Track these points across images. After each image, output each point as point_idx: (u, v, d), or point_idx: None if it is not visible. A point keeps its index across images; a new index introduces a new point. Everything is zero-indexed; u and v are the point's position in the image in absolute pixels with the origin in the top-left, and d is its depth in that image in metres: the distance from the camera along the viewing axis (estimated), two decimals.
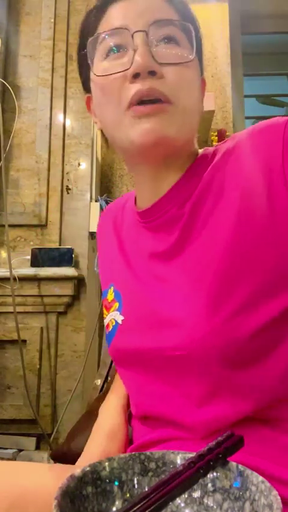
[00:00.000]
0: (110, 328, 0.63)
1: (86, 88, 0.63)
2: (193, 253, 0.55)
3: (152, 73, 0.51)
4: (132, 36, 0.52)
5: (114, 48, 0.54)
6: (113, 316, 0.62)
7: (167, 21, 0.54)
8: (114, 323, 0.62)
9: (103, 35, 0.55)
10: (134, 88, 0.52)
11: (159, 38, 0.54)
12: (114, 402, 0.70)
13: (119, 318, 0.61)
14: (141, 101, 0.52)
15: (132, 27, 0.53)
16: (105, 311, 0.66)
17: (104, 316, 0.65)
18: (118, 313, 0.62)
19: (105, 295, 0.66)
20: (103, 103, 0.57)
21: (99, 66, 0.56)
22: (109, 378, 1.08)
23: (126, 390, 0.68)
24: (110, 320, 0.63)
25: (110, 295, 0.65)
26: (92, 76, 0.58)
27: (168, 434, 0.55)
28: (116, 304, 0.63)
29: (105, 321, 0.65)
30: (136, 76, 0.51)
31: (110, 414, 0.68)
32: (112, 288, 0.65)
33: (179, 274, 0.55)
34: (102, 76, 0.54)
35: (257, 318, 0.50)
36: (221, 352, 0.50)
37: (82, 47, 0.59)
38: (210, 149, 0.61)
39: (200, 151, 0.62)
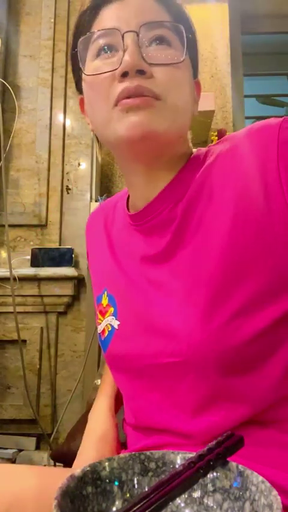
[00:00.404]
0: (106, 333, 0.62)
1: (79, 89, 0.63)
2: (187, 256, 0.54)
3: (141, 72, 0.51)
4: (123, 36, 0.52)
5: (105, 48, 0.54)
6: (109, 322, 0.61)
7: (158, 23, 0.54)
8: (110, 328, 0.61)
9: (94, 35, 0.55)
10: (122, 86, 0.51)
11: (150, 39, 0.53)
12: (103, 405, 0.70)
13: (115, 323, 0.60)
14: (128, 96, 0.51)
15: (123, 28, 0.53)
16: (100, 317, 0.64)
17: (99, 321, 0.64)
18: (114, 318, 0.61)
19: (100, 301, 0.65)
20: (93, 102, 0.56)
21: (90, 65, 0.56)
22: None
23: (120, 396, 0.68)
24: (106, 326, 0.62)
25: (105, 300, 0.64)
26: (83, 75, 0.58)
27: (164, 440, 0.55)
28: (111, 309, 0.62)
29: (100, 327, 0.63)
30: (125, 75, 0.51)
31: (101, 418, 0.67)
32: (106, 292, 0.64)
33: (173, 278, 0.55)
34: (92, 75, 0.54)
35: (253, 323, 0.49)
36: (217, 358, 0.49)
37: (74, 47, 0.59)
38: (203, 149, 0.60)
39: (193, 150, 0.62)
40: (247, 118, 2.57)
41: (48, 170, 1.96)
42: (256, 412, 0.51)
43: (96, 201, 2.01)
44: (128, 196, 0.66)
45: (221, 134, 2.10)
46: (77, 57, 0.57)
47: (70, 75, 2.07)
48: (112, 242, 0.67)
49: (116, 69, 0.52)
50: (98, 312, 0.65)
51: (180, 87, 0.55)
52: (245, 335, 0.49)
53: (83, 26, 0.58)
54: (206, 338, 0.49)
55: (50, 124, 1.99)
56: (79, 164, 1.99)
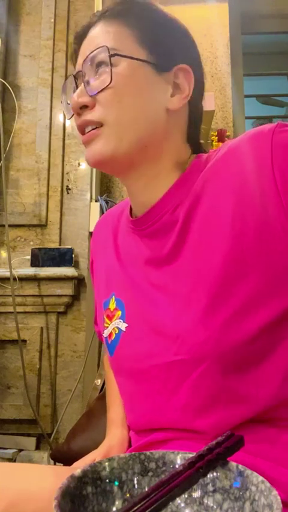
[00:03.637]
0: (113, 336, 0.63)
1: None
2: (188, 259, 0.55)
3: (85, 107, 0.58)
4: (75, 79, 0.61)
5: (74, 88, 0.62)
6: (116, 325, 0.63)
7: (92, 53, 0.57)
8: (117, 331, 0.62)
9: (67, 79, 0.64)
10: (77, 123, 0.60)
11: (91, 71, 0.58)
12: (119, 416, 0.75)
13: (123, 326, 0.61)
14: (82, 131, 0.60)
15: (76, 70, 0.61)
16: (107, 321, 0.66)
17: (106, 326, 0.65)
18: (121, 321, 0.62)
19: (107, 305, 0.66)
20: None
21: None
22: None
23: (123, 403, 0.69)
24: (113, 329, 0.63)
25: (112, 304, 0.65)
26: None
27: (167, 436, 0.55)
28: (119, 313, 0.63)
29: (107, 331, 0.65)
30: (77, 113, 0.59)
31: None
32: (114, 297, 0.65)
33: (176, 280, 0.56)
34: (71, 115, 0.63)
35: (254, 321, 0.50)
36: (219, 356, 0.51)
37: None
38: (204, 156, 0.61)
39: (193, 157, 0.62)
40: (247, 118, 2.57)
41: (48, 170, 1.96)
42: (259, 411, 0.52)
43: (96, 201, 2.01)
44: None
45: (221, 134, 2.10)
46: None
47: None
48: (118, 248, 0.68)
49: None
50: (105, 317, 0.66)
51: (122, 102, 0.57)
52: (246, 333, 0.50)
53: (72, 58, 0.66)
54: (209, 336, 0.51)
55: (50, 124, 1.99)
56: (79, 164, 1.99)
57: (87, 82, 0.58)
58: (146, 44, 0.58)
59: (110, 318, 0.65)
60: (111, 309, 0.65)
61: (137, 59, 0.57)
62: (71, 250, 1.85)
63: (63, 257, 1.84)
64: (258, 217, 0.51)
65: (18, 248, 1.92)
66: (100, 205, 2.00)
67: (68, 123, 2.01)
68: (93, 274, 0.77)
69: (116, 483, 0.38)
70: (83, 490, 0.36)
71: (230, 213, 0.53)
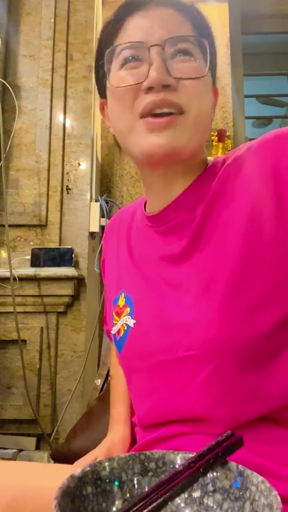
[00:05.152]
0: (122, 333, 0.63)
1: (102, 94, 0.65)
2: (204, 257, 0.56)
3: (166, 86, 0.54)
4: (149, 49, 0.55)
5: (130, 58, 0.57)
6: (125, 321, 0.63)
7: (183, 37, 0.56)
8: (126, 328, 0.62)
9: (120, 48, 0.57)
10: (148, 99, 0.54)
11: (174, 51, 0.55)
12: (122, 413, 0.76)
13: (131, 322, 0.62)
14: (154, 113, 0.54)
15: (148, 41, 0.55)
16: (116, 317, 0.66)
17: (115, 322, 0.66)
18: (130, 317, 0.62)
19: (117, 302, 0.67)
20: (118, 111, 0.59)
21: (116, 75, 0.58)
22: (109, 378, 1.08)
23: (131, 400, 0.69)
24: (122, 325, 0.63)
25: (121, 301, 0.66)
26: (108, 84, 0.60)
27: (175, 431, 0.56)
28: (128, 309, 0.63)
29: (116, 328, 0.65)
30: (150, 89, 0.54)
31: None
32: (123, 294, 0.66)
33: (190, 277, 0.56)
34: (119, 87, 0.57)
35: (269, 317, 0.51)
36: (233, 352, 0.51)
37: (99, 56, 0.62)
38: (221, 157, 0.62)
39: (210, 158, 0.64)
40: (247, 118, 2.57)
41: (48, 170, 1.96)
42: (271, 408, 0.52)
43: (96, 201, 2.01)
44: (146, 201, 0.68)
45: (221, 134, 2.10)
46: (102, 66, 0.60)
47: (70, 75, 2.08)
48: (130, 245, 0.69)
49: (141, 82, 0.54)
50: (114, 314, 0.67)
51: (202, 99, 0.57)
52: (259, 329, 0.51)
53: (108, 36, 0.60)
54: (223, 331, 0.51)
55: (50, 124, 1.99)
56: (79, 164, 1.99)
57: (166, 61, 0.54)
58: (209, 62, 0.59)
59: (119, 315, 0.65)
60: (120, 306, 0.65)
61: (213, 66, 0.60)
62: (71, 250, 1.85)
63: (63, 257, 1.84)
64: (275, 217, 0.52)
65: (18, 248, 1.92)
66: (100, 205, 2.00)
67: (68, 123, 2.01)
68: (104, 273, 0.78)
69: (116, 483, 0.39)
70: (83, 490, 0.36)
71: (247, 212, 0.53)
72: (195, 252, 0.57)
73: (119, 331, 0.64)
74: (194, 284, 0.55)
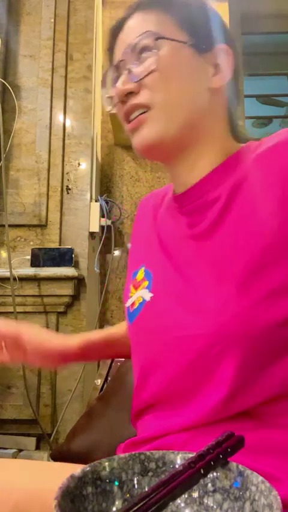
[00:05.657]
0: (136, 305, 0.64)
1: None
2: (225, 237, 0.56)
3: (131, 93, 0.59)
4: (117, 68, 0.63)
5: (115, 78, 0.64)
6: (141, 294, 0.64)
7: (135, 40, 0.59)
8: (141, 300, 0.63)
9: (107, 73, 0.66)
10: (122, 110, 0.61)
11: (136, 56, 0.60)
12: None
13: (148, 295, 0.62)
14: (128, 118, 0.61)
15: (116, 60, 0.63)
16: (132, 290, 0.67)
17: (130, 295, 0.67)
18: (147, 290, 0.63)
19: (135, 276, 0.68)
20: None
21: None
22: (109, 378, 1.08)
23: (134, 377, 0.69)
24: (137, 298, 0.64)
25: (140, 275, 0.67)
26: None
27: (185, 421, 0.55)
28: (146, 283, 0.64)
29: (130, 300, 0.66)
30: (122, 101, 0.61)
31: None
32: (143, 268, 0.67)
33: (210, 256, 0.57)
34: (109, 105, 0.66)
35: (285, 307, 0.51)
36: (245, 337, 0.51)
37: (104, 67, 0.69)
38: (255, 142, 0.62)
39: (239, 145, 0.64)
40: (247, 118, 2.57)
41: (48, 170, 1.96)
42: (256, 404, 0.52)
43: (96, 201, 2.01)
44: None
45: None
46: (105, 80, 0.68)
47: (70, 75, 2.08)
48: (157, 224, 0.71)
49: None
50: (131, 286, 0.68)
51: (168, 84, 0.58)
52: (276, 317, 0.51)
53: (108, 52, 0.68)
54: (237, 314, 0.51)
55: (50, 124, 1.99)
56: (79, 164, 1.99)
57: (129, 70, 0.60)
58: (186, 27, 0.60)
59: (136, 287, 0.66)
60: (138, 280, 0.67)
61: (179, 41, 0.59)
62: (71, 250, 1.85)
63: (63, 257, 1.84)
64: None
65: (18, 248, 1.92)
66: (100, 205, 2.00)
67: (68, 123, 2.01)
68: (129, 252, 0.79)
69: (116, 483, 0.39)
70: (83, 490, 0.36)
71: (277, 200, 0.53)
72: (216, 232, 0.57)
73: (133, 303, 0.65)
74: (214, 264, 0.56)
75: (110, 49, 0.66)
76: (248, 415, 0.52)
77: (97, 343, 0.80)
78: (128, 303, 0.67)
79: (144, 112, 0.59)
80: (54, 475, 0.59)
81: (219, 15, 0.65)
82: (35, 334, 0.76)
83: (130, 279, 0.70)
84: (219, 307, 0.52)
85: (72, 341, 0.77)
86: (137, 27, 0.61)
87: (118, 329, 0.83)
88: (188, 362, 0.55)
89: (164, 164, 0.67)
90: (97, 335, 0.82)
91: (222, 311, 0.52)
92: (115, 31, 0.65)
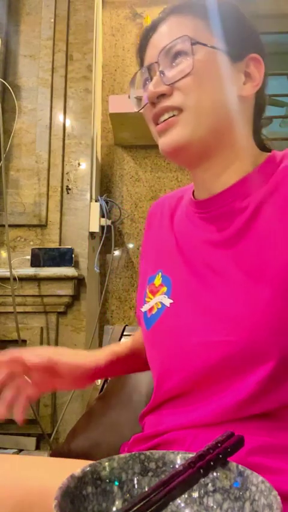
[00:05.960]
0: (155, 310, 0.64)
1: None
2: (252, 247, 0.56)
3: (163, 96, 0.60)
4: (148, 70, 0.63)
5: (146, 81, 0.65)
6: (160, 300, 0.64)
7: (171, 44, 0.60)
8: (160, 306, 0.63)
9: (138, 75, 0.68)
10: (152, 112, 0.62)
11: (170, 60, 0.61)
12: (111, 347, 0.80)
13: (167, 301, 0.63)
14: (157, 120, 0.62)
15: (149, 62, 0.63)
16: (149, 295, 0.67)
17: (148, 300, 0.67)
18: (166, 296, 0.63)
19: (152, 281, 0.68)
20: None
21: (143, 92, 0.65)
22: (109, 379, 1.08)
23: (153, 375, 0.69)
24: (156, 303, 0.64)
25: (158, 280, 0.67)
26: None
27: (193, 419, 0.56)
28: (164, 289, 0.64)
29: (148, 306, 0.66)
30: (152, 103, 0.61)
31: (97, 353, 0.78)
32: (160, 273, 0.67)
33: (234, 264, 0.57)
34: (140, 108, 0.66)
35: None
36: (277, 344, 0.51)
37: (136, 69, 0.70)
38: (280, 153, 0.63)
39: (266, 154, 0.64)
40: None
41: (48, 170, 1.96)
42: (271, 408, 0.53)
43: (96, 201, 2.01)
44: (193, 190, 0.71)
45: None
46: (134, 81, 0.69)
47: (70, 75, 2.08)
48: (173, 228, 0.70)
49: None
50: (147, 291, 0.68)
51: (201, 88, 0.59)
52: None
53: (138, 56, 0.69)
54: (269, 323, 0.51)
55: (50, 124, 1.99)
56: (79, 164, 1.99)
57: (163, 72, 0.60)
58: (221, 34, 0.61)
59: (154, 293, 0.66)
60: (156, 285, 0.66)
61: (215, 47, 0.60)
62: (71, 250, 1.85)
63: (63, 257, 1.84)
64: None
65: (18, 248, 1.92)
66: (100, 205, 2.00)
67: (67, 123, 2.01)
68: (141, 256, 0.79)
69: (116, 483, 0.39)
70: (83, 490, 0.36)
71: None
72: (242, 240, 0.58)
73: (151, 308, 0.65)
74: (239, 273, 0.56)
75: (142, 50, 0.66)
76: (266, 416, 0.53)
77: (121, 357, 0.79)
78: (145, 308, 0.66)
79: (175, 115, 0.59)
80: (55, 471, 0.59)
81: (253, 23, 0.66)
82: (68, 356, 0.73)
83: (145, 283, 0.70)
84: (250, 315, 0.52)
85: (100, 355, 0.76)
86: (172, 31, 0.61)
87: (120, 347, 0.81)
88: (211, 367, 0.55)
89: (189, 169, 0.67)
90: (118, 348, 0.80)
91: (253, 319, 0.52)
92: (148, 33, 0.65)
